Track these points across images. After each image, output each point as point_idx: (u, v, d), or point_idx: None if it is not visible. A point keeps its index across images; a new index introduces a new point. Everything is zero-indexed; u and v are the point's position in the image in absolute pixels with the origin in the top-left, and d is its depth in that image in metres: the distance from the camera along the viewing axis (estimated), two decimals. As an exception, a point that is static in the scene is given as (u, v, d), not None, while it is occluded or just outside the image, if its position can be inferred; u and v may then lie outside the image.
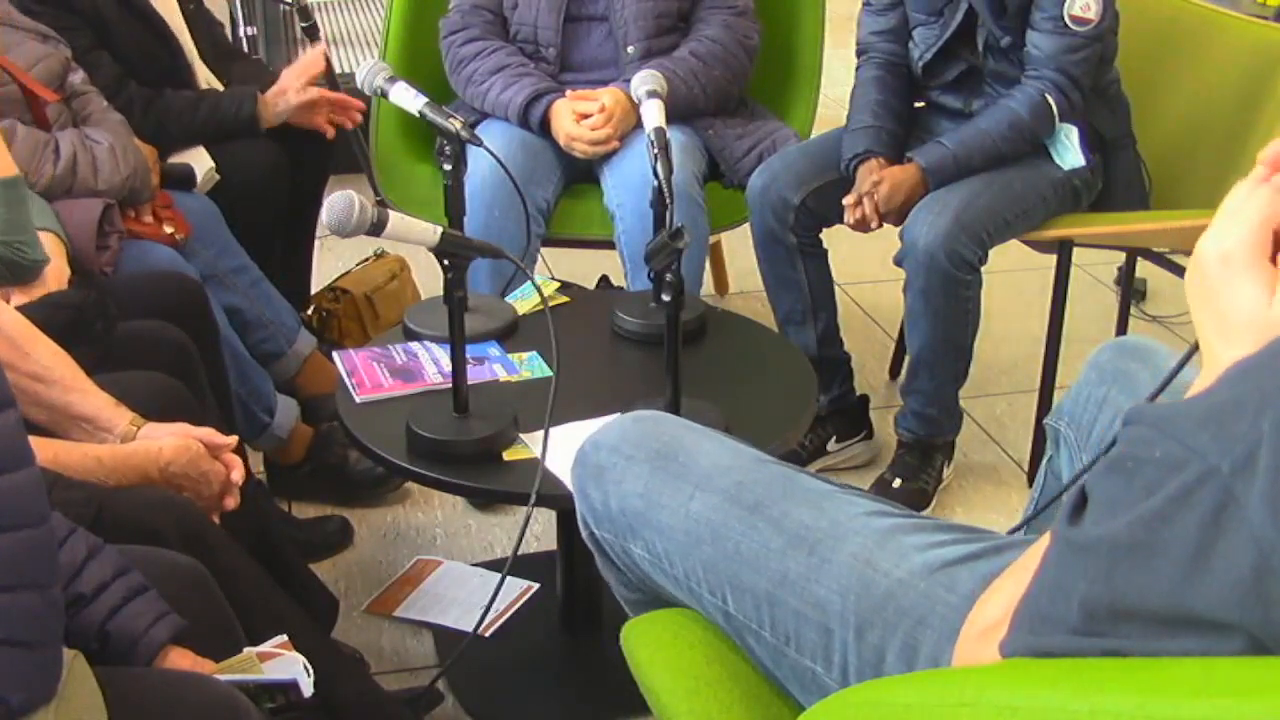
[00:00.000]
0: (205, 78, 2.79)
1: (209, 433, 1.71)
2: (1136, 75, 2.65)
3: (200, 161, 2.64)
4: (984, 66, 2.51)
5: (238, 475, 1.72)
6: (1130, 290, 3.03)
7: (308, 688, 1.39)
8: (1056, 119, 2.44)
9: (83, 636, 1.32)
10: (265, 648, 1.43)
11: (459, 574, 2.38)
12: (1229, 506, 0.73)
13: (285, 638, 1.47)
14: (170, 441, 1.66)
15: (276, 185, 2.76)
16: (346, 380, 2.02)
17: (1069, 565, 0.83)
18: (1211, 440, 0.75)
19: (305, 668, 1.40)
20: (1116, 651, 0.80)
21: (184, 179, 2.59)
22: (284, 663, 1.41)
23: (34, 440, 1.58)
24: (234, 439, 1.75)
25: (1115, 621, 0.80)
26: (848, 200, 2.48)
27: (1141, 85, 2.66)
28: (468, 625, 2.11)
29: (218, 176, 2.65)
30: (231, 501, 1.72)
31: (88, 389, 1.70)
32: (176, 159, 2.61)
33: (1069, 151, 2.48)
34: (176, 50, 2.71)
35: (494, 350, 2.11)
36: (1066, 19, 2.37)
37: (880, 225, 2.48)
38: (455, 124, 2.09)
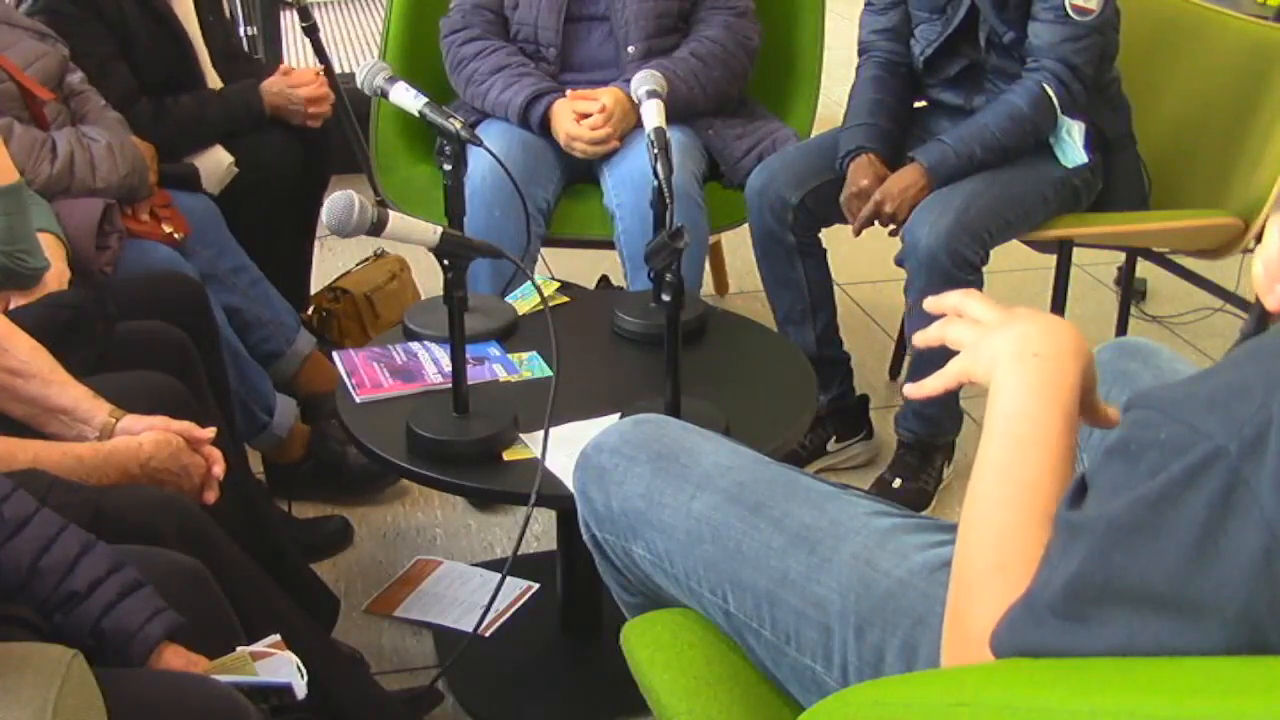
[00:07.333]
0: (211, 78, 2.80)
1: (188, 426, 1.70)
2: (1136, 75, 2.65)
3: (218, 158, 2.64)
4: (985, 62, 2.50)
5: (218, 470, 1.71)
6: (1130, 290, 3.03)
7: (301, 689, 1.37)
8: (1057, 110, 2.44)
9: (77, 634, 1.31)
10: (258, 647, 1.42)
11: (459, 574, 2.38)
12: (1238, 488, 0.73)
13: (278, 637, 1.45)
14: (150, 436, 1.65)
15: (290, 174, 2.77)
16: (346, 380, 2.02)
17: (1065, 548, 0.83)
18: (1219, 422, 0.75)
19: (299, 668, 1.39)
20: (1090, 641, 0.80)
21: (185, 179, 2.59)
22: (277, 662, 1.40)
23: (15, 442, 1.59)
24: (212, 431, 1.74)
25: (1101, 604, 0.79)
26: (843, 199, 2.48)
27: (1141, 85, 2.66)
28: (468, 625, 2.11)
29: (236, 170, 2.66)
30: (211, 496, 1.70)
31: (65, 381, 1.69)
32: (194, 160, 2.61)
33: (1072, 148, 2.48)
34: (189, 53, 2.72)
35: (494, 350, 2.11)
36: (1067, 8, 2.37)
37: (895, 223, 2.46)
38: (455, 124, 2.09)
